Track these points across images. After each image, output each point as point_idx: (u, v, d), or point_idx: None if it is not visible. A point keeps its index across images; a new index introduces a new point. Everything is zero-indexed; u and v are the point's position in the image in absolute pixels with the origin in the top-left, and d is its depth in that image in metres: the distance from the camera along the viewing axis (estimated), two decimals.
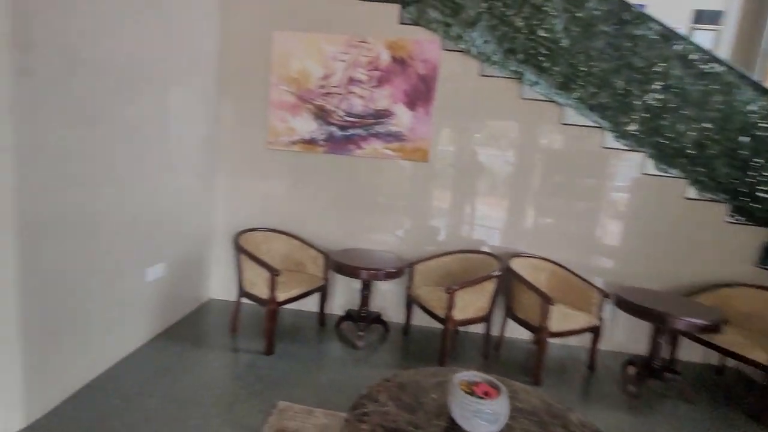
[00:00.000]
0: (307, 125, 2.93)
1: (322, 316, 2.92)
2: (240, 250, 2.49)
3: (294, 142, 2.96)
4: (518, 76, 2.72)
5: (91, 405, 1.83)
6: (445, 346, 2.36)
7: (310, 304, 3.00)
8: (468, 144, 2.87)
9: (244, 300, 2.59)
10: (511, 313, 2.59)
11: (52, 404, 1.78)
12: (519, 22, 2.72)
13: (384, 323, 2.88)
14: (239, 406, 1.93)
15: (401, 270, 2.61)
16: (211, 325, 2.77)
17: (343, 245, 3.01)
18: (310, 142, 2.94)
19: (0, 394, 1.55)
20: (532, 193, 2.88)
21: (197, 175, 2.82)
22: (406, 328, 2.89)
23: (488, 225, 2.94)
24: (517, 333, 2.90)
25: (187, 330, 2.66)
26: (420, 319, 2.94)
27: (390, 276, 2.57)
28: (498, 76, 2.75)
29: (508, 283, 2.61)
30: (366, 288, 2.72)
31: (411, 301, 2.81)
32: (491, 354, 2.68)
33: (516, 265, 2.61)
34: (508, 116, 2.82)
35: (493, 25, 2.73)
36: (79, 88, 1.75)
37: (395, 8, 2.78)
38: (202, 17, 2.68)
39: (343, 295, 3.09)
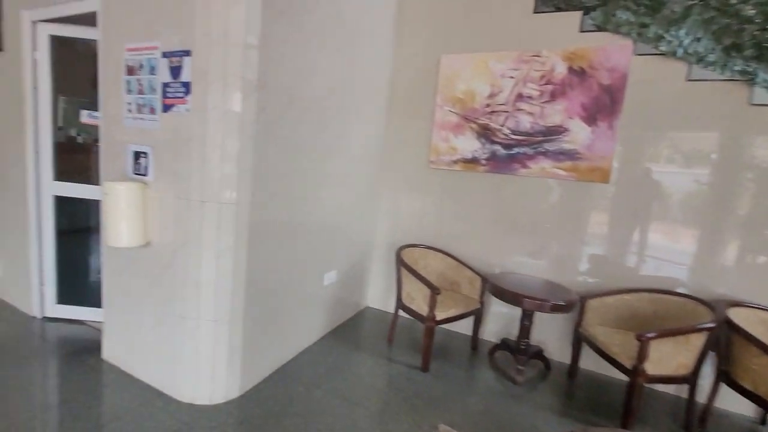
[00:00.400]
0: (469, 144, 2.91)
1: (474, 340, 2.81)
2: (402, 264, 2.60)
3: (455, 161, 2.98)
4: (747, 77, 2.16)
5: (281, 388, 2.14)
6: (630, 403, 1.97)
7: (463, 325, 2.93)
8: (658, 162, 2.40)
9: (401, 312, 2.69)
10: (728, 379, 2.02)
11: (255, 381, 2.14)
12: (749, 11, 2.17)
13: (545, 360, 2.60)
14: (402, 418, 1.98)
15: (571, 304, 2.32)
16: (370, 332, 2.96)
17: (499, 268, 2.86)
18: (472, 161, 2.92)
19: (228, 366, 1.93)
20: (740, 221, 2.22)
21: (365, 191, 3.09)
22: (572, 370, 2.54)
23: (675, 260, 2.39)
24: (733, 404, 2.24)
25: (349, 333, 2.90)
26: (590, 362, 2.56)
27: (557, 309, 2.30)
28: (714, 80, 2.24)
29: (724, 339, 2.04)
30: (527, 318, 2.51)
31: (580, 341, 2.46)
32: (694, 426, 2.12)
33: (738, 317, 2.03)
34: (726, 127, 2.25)
35: (709, 19, 2.24)
36: (292, 120, 2.11)
37: (575, 16, 2.55)
38: (381, 51, 2.96)
39: (497, 321, 2.92)
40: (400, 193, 3.26)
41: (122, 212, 1.81)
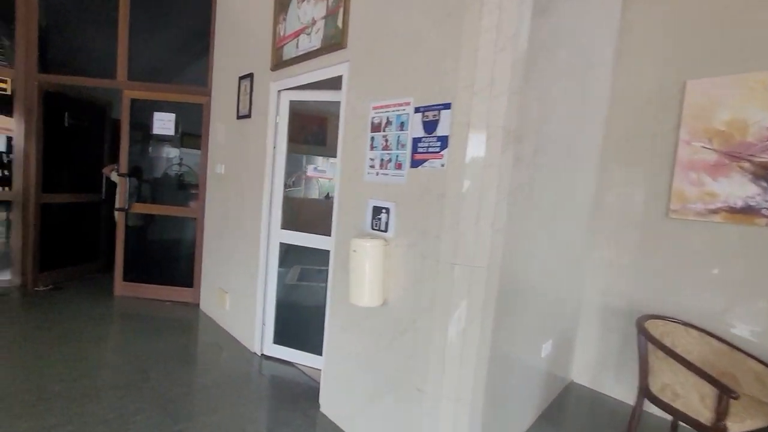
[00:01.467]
0: (739, 189, 2.23)
1: None
2: (657, 345, 2.01)
3: (713, 211, 2.31)
4: None
5: None
6: None
7: None
8: None
9: (646, 404, 2.08)
10: None
11: None
12: None
13: None
14: None
15: None
16: (590, 421, 2.39)
17: None
18: (744, 211, 2.21)
19: None
20: None
21: (578, 244, 2.63)
22: None
23: None
24: None
25: (564, 419, 2.38)
26: None
27: None
28: None
29: None
30: None
31: None
32: None
33: None
34: None
35: None
36: (533, 171, 1.85)
37: None
38: (599, 84, 2.56)
39: None
40: (620, 247, 2.69)
41: (367, 270, 1.77)
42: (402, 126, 1.79)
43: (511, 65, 1.53)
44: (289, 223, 2.81)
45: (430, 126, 1.67)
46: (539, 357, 2.26)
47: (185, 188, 4.10)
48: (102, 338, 2.97)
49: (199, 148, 3.78)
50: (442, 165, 1.63)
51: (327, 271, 2.77)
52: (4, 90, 3.72)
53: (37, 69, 3.74)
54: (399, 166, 1.80)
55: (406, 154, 1.77)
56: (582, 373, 2.85)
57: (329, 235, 2.37)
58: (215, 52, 3.60)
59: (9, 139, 3.81)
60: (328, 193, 3.31)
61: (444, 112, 1.62)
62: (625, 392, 2.62)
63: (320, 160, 3.77)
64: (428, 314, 1.68)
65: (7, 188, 3.85)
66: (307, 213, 3.52)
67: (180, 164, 4.15)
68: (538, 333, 2.20)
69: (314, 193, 3.94)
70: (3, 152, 3.86)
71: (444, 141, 1.62)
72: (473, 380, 1.63)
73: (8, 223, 3.93)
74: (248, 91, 2.95)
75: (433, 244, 1.66)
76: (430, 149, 1.67)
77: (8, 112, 3.77)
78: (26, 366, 2.45)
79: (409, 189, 1.76)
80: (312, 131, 3.35)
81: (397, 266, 1.80)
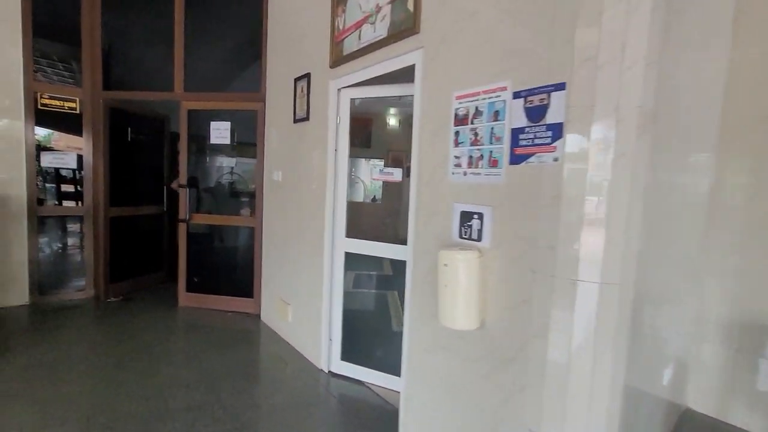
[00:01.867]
0: None
1: None
2: None
3: None
4: None
5: None
6: None
7: None
8: None
9: None
10: None
11: None
12: None
13: None
14: None
15: None
16: None
17: None
18: None
19: None
20: None
21: (697, 251, 2.20)
22: None
23: None
24: None
25: None
26: None
27: None
28: None
29: None
30: None
31: None
32: None
33: None
34: None
35: None
36: (668, 158, 1.50)
37: None
38: (717, 57, 2.12)
39: None
40: (747, 250, 2.19)
41: (462, 287, 1.51)
42: (496, 116, 1.51)
43: (649, 28, 1.21)
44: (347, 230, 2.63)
45: (535, 113, 1.38)
46: (661, 384, 1.89)
47: (238, 197, 4.07)
48: (171, 352, 2.94)
49: (251, 156, 3.72)
50: (555, 159, 1.33)
51: (376, 276, 2.59)
52: (74, 109, 3.86)
53: (101, 87, 3.86)
54: (494, 164, 1.52)
55: (503, 149, 1.49)
56: (701, 398, 2.39)
57: (390, 242, 2.17)
58: (268, 56, 3.50)
59: (79, 157, 3.96)
60: (374, 196, 3.13)
61: (555, 95, 1.33)
62: (765, 424, 2.16)
63: (363, 162, 3.60)
64: (541, 340, 1.38)
65: (79, 203, 4.01)
66: (363, 218, 3.33)
67: (231, 173, 4.14)
68: (661, 355, 1.83)
69: (360, 196, 3.77)
70: (75, 169, 4.02)
71: (557, 130, 1.32)
72: (606, 423, 1.32)
73: (81, 237, 4.10)
74: (305, 92, 2.80)
75: (545, 256, 1.36)
76: (537, 141, 1.38)
77: (78, 131, 3.93)
78: (100, 383, 2.44)
79: (509, 190, 1.48)
80: (356, 133, 3.18)
81: (497, 282, 1.52)
